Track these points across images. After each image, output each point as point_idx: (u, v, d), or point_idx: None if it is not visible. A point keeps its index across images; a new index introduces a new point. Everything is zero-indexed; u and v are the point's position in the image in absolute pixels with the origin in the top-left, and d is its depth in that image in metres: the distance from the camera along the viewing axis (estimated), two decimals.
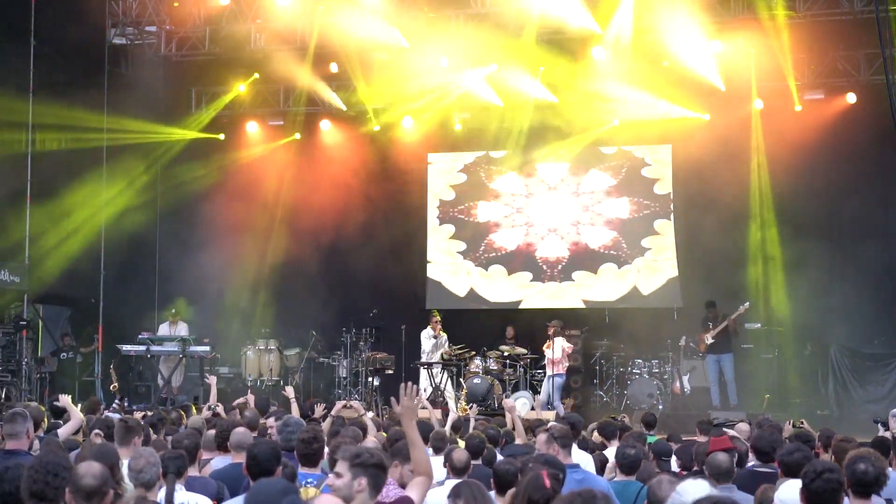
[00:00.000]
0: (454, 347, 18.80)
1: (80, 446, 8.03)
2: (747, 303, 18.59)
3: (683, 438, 10.73)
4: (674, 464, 8.86)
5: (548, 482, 5.06)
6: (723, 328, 18.64)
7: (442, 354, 18.68)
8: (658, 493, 5.55)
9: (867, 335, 19.42)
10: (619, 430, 10.20)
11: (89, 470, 4.94)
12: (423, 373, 18.66)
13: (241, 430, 8.07)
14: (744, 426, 10.72)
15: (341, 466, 5.29)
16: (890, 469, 7.80)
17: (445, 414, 15.82)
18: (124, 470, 6.25)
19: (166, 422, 10.05)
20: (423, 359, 18.72)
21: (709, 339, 18.73)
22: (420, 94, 20.90)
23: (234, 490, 7.28)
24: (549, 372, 18.22)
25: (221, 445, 8.23)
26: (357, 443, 7.76)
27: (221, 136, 22.06)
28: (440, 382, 18.30)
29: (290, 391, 12.75)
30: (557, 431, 7.19)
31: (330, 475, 5.52)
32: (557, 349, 18.15)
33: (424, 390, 18.14)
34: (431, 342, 18.83)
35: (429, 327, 18.95)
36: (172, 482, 6.23)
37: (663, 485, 5.61)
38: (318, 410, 11.74)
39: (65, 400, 9.79)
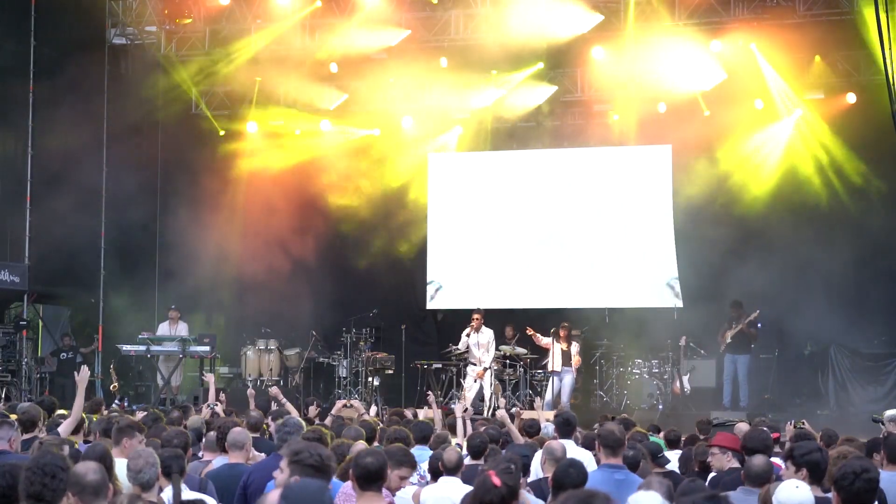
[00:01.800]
0: (455, 348, 18.76)
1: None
2: (758, 310, 18.60)
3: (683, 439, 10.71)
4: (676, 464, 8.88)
5: (497, 480, 5.04)
6: (738, 330, 18.66)
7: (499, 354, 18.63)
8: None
9: (867, 335, 19.41)
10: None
11: (89, 467, 4.96)
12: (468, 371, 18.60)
13: (237, 429, 8.05)
14: (743, 426, 10.71)
15: (283, 462, 5.42)
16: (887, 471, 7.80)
17: (446, 414, 15.83)
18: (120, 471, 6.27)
19: (161, 422, 10.04)
20: (469, 358, 18.59)
21: (728, 338, 18.76)
22: (420, 95, 20.91)
23: (230, 491, 7.27)
24: (571, 372, 18.19)
25: (224, 446, 8.21)
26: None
27: (222, 133, 22.04)
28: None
29: (274, 391, 12.73)
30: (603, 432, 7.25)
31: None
32: (574, 350, 18.24)
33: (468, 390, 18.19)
34: (465, 340, 18.62)
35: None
36: (178, 482, 6.23)
37: (653, 485, 5.62)
38: (313, 410, 11.71)
39: (83, 375, 9.36)
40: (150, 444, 7.52)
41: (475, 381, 18.36)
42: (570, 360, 18.20)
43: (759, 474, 6.74)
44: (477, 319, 18.65)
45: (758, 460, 6.86)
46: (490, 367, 18.34)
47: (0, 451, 7.29)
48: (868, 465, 5.54)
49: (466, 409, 12.80)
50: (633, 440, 8.89)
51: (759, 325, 18.95)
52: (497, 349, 18.98)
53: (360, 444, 7.60)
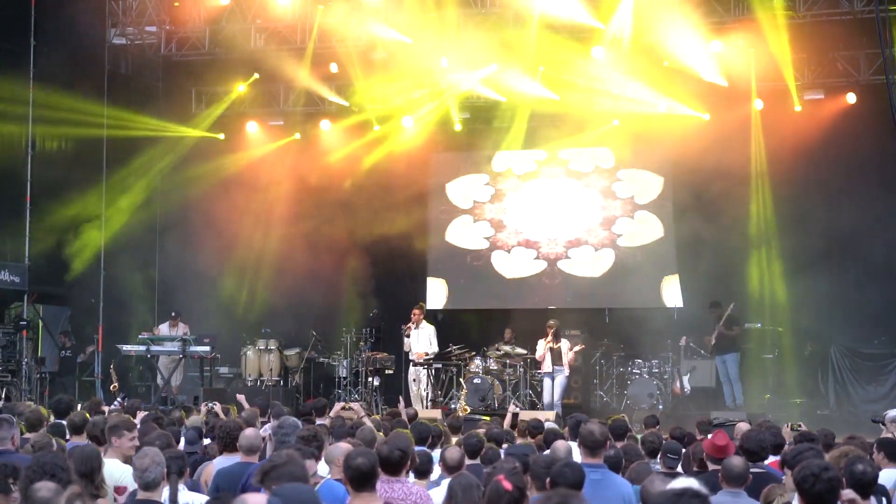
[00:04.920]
0: (455, 348, 18.78)
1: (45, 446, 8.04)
2: (732, 304, 18.63)
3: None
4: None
5: (508, 485, 5.06)
6: (719, 329, 18.67)
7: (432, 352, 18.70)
8: (651, 489, 5.54)
9: (867, 335, 19.42)
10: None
11: (44, 485, 5.00)
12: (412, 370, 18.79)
13: (250, 431, 8.06)
14: (743, 426, 10.71)
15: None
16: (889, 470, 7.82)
17: (446, 414, 15.86)
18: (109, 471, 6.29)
19: (163, 422, 10.05)
20: (410, 355, 18.81)
21: (712, 340, 18.77)
22: (420, 94, 20.91)
23: (233, 488, 7.30)
24: (564, 371, 18.14)
25: (227, 446, 8.21)
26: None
27: (221, 136, 22.04)
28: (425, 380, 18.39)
29: (241, 399, 12.63)
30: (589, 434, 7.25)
31: None
32: (565, 348, 18.16)
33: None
34: (406, 340, 18.81)
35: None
36: (176, 482, 6.25)
37: (655, 483, 5.60)
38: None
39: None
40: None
41: (415, 378, 18.50)
42: (560, 358, 18.12)
43: (740, 475, 6.75)
44: (416, 314, 18.73)
45: (736, 461, 6.87)
46: (430, 358, 18.42)
47: (2, 450, 7.31)
48: (829, 464, 5.56)
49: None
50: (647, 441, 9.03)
51: (743, 322, 18.97)
52: (497, 349, 19.01)
53: (345, 446, 7.59)
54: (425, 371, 18.52)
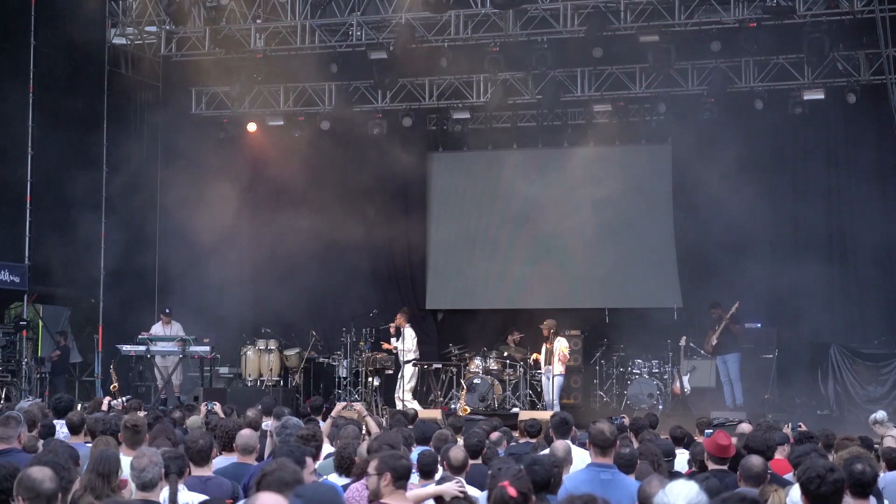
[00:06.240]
0: (455, 348, 18.82)
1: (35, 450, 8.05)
2: (738, 302, 18.61)
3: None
4: (677, 464, 8.89)
5: (512, 491, 5.05)
6: (723, 329, 18.66)
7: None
8: (648, 490, 5.55)
9: (867, 335, 19.42)
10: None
11: (45, 475, 4.91)
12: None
13: (246, 432, 8.06)
14: (746, 426, 10.70)
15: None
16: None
17: (446, 414, 15.88)
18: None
19: (164, 422, 10.05)
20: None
21: (714, 341, 18.75)
22: (420, 94, 20.93)
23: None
24: (555, 371, 18.14)
25: (226, 446, 8.22)
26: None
27: (221, 134, 22.01)
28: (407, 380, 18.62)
29: (202, 410, 12.10)
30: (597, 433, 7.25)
31: None
32: (558, 348, 18.16)
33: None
34: (394, 340, 19.25)
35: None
36: (175, 482, 6.25)
37: (653, 483, 5.60)
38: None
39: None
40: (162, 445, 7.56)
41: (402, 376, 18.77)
42: (552, 358, 18.14)
43: (758, 474, 6.76)
44: (400, 318, 19.04)
45: (755, 460, 6.87)
46: (413, 361, 18.76)
47: (8, 448, 7.29)
48: (834, 465, 5.57)
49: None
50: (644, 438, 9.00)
51: (744, 322, 18.96)
52: (497, 350, 19.03)
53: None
54: (413, 370, 18.74)
